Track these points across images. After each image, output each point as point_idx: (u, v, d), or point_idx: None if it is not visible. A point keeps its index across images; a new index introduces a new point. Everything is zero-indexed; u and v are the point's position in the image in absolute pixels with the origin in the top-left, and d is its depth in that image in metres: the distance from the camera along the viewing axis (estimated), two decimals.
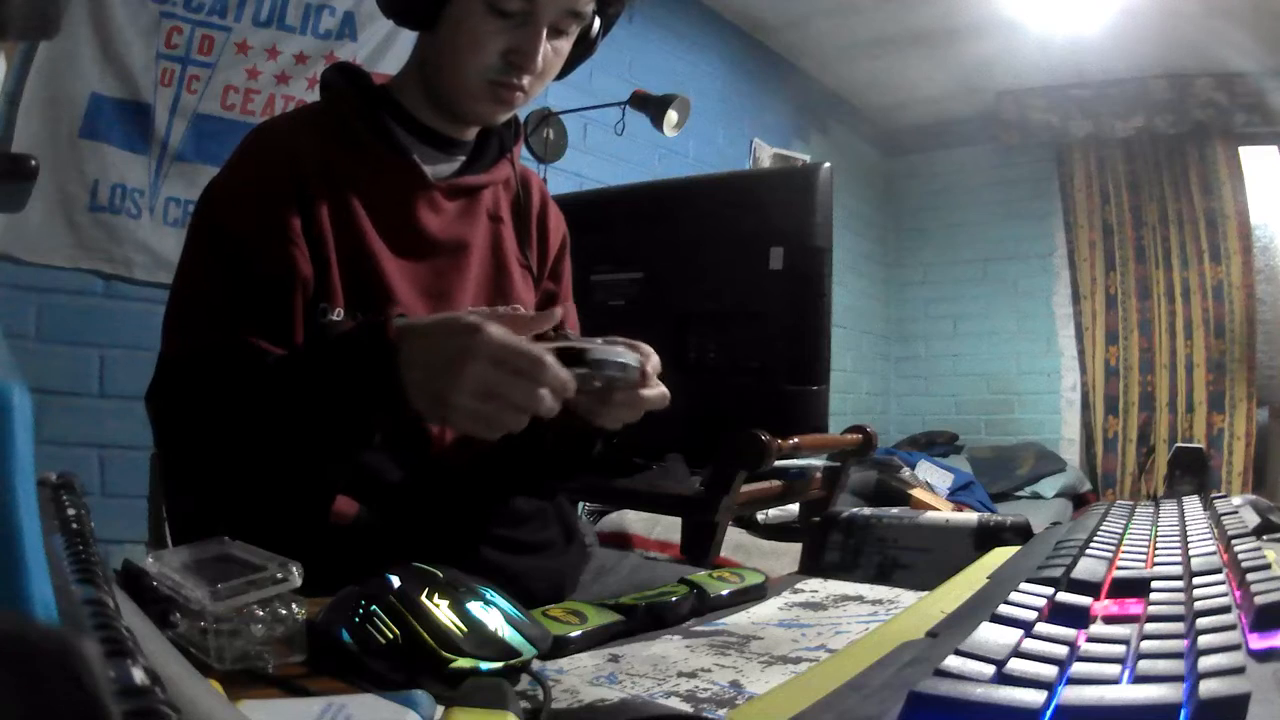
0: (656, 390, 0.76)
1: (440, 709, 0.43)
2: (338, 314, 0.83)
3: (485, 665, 0.49)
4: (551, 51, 0.85)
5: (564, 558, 0.95)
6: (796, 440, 1.21)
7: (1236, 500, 0.75)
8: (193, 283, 0.83)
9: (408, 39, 0.91)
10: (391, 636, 0.50)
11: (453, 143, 0.93)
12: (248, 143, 0.88)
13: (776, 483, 1.33)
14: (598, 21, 0.89)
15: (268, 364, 0.77)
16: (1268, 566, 0.42)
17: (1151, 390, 4.45)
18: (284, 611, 0.51)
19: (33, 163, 1.99)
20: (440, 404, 0.64)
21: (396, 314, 0.73)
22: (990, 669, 0.31)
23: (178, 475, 0.86)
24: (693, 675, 0.53)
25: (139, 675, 0.21)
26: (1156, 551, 0.54)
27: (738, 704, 0.48)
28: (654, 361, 0.76)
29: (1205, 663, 0.29)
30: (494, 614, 0.52)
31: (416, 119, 0.90)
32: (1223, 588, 0.40)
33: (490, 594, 0.55)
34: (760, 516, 2.10)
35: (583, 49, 0.91)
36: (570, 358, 0.66)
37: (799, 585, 0.83)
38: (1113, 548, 0.55)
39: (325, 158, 0.85)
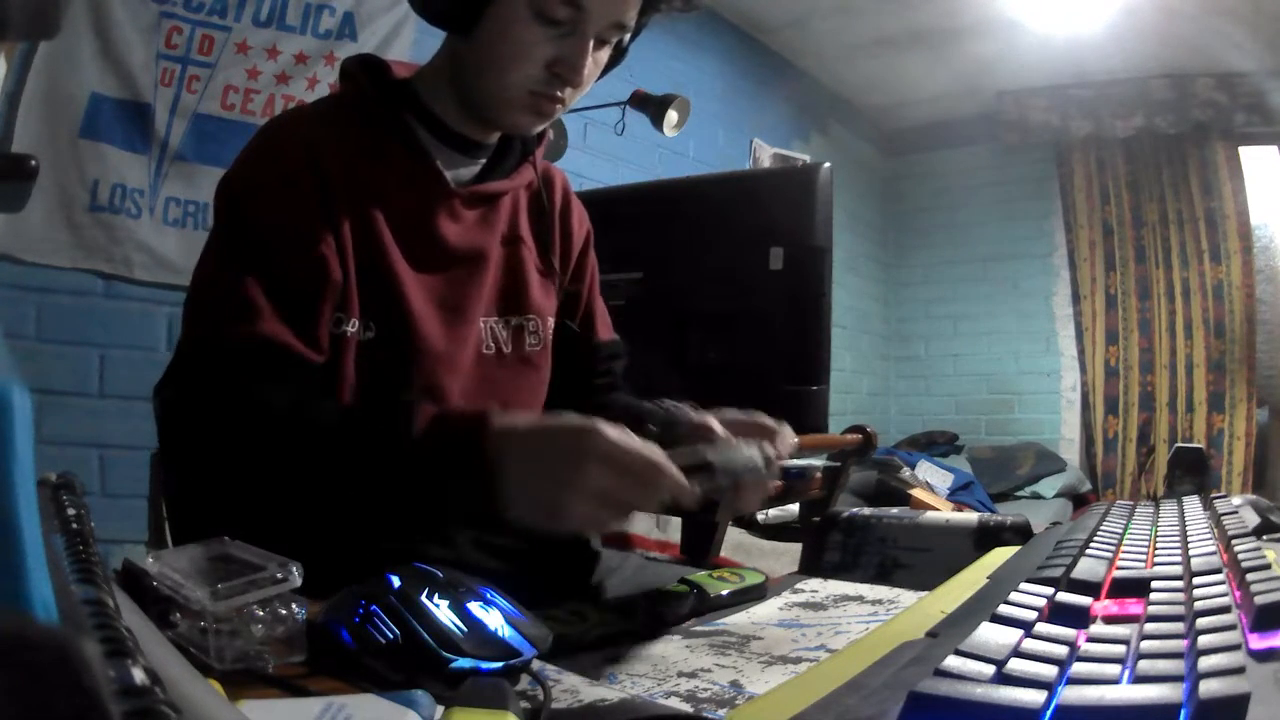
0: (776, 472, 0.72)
1: (440, 709, 0.43)
2: (353, 325, 0.81)
3: (485, 665, 0.49)
4: (592, 63, 0.82)
5: (574, 564, 0.95)
6: (796, 440, 1.21)
7: (1236, 500, 0.75)
8: (218, 272, 0.79)
9: (409, 40, 0.90)
10: (391, 636, 0.50)
11: (476, 145, 0.90)
12: (266, 138, 0.84)
13: (777, 483, 1.33)
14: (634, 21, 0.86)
15: (321, 414, 0.72)
16: (1268, 566, 0.42)
17: (1151, 390, 4.44)
18: (284, 611, 0.51)
19: (33, 163, 1.99)
20: (549, 511, 0.59)
21: (487, 413, 0.64)
22: (990, 669, 0.31)
23: (180, 470, 0.83)
24: (693, 675, 0.53)
25: (139, 675, 0.21)
26: (1156, 551, 0.54)
27: (738, 704, 0.48)
28: (786, 442, 0.73)
29: (1205, 663, 0.29)
30: (494, 614, 0.52)
31: (440, 120, 0.87)
32: (1223, 588, 0.40)
33: (490, 594, 0.55)
34: (760, 516, 2.10)
35: (613, 58, 0.88)
36: (693, 463, 0.63)
37: (799, 585, 0.83)
38: (1113, 548, 0.55)
39: (346, 159, 0.82)
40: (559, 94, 0.82)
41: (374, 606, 0.51)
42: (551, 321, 0.98)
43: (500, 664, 0.50)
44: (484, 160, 0.91)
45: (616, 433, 0.59)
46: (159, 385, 0.79)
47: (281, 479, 0.72)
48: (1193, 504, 0.73)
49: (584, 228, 1.04)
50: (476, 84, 0.84)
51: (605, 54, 0.85)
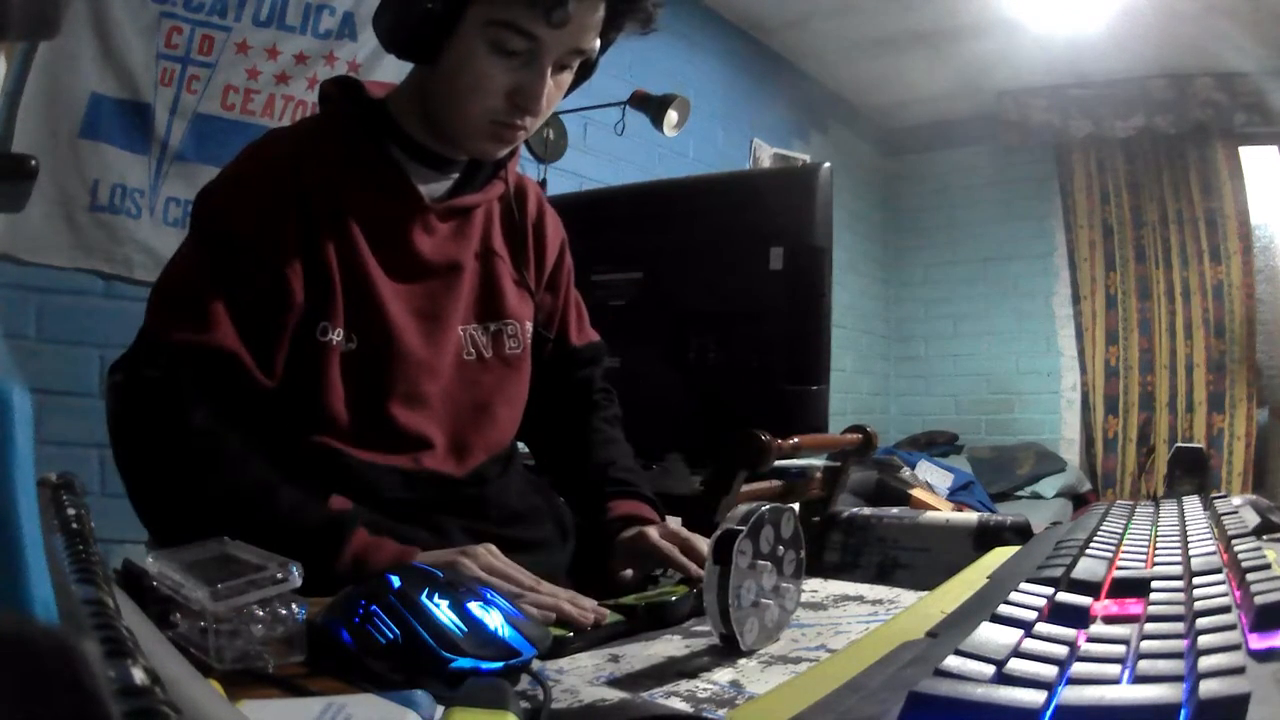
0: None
1: (440, 709, 0.43)
2: (337, 334, 0.84)
3: (485, 665, 0.49)
4: (554, 87, 0.84)
5: (559, 555, 0.95)
6: (796, 440, 1.21)
7: (1236, 500, 0.75)
8: (187, 272, 0.83)
9: None
10: (391, 636, 0.50)
11: (447, 162, 0.93)
12: (253, 152, 0.87)
13: (776, 483, 1.33)
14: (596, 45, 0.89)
15: (264, 490, 0.77)
16: (1268, 566, 0.42)
17: (1151, 390, 4.44)
18: (284, 611, 0.51)
19: (33, 163, 1.99)
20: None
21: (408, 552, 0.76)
22: (990, 669, 0.31)
23: (120, 450, 0.84)
24: (693, 675, 0.54)
25: (139, 675, 0.21)
26: (1156, 551, 0.54)
27: (738, 704, 0.48)
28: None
29: (1205, 663, 0.29)
30: (494, 614, 0.52)
31: (413, 139, 0.90)
32: (1223, 588, 0.40)
33: (490, 594, 0.55)
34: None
35: (581, 75, 0.90)
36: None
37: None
38: (1113, 548, 0.55)
39: (328, 175, 0.85)
40: (519, 122, 0.84)
41: (374, 606, 0.51)
42: (529, 325, 1.00)
43: (500, 664, 0.50)
44: (455, 175, 0.94)
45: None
46: (113, 366, 0.81)
47: (202, 506, 0.76)
48: (1193, 504, 0.73)
49: (558, 237, 1.06)
50: (441, 113, 0.87)
51: (567, 77, 0.87)
